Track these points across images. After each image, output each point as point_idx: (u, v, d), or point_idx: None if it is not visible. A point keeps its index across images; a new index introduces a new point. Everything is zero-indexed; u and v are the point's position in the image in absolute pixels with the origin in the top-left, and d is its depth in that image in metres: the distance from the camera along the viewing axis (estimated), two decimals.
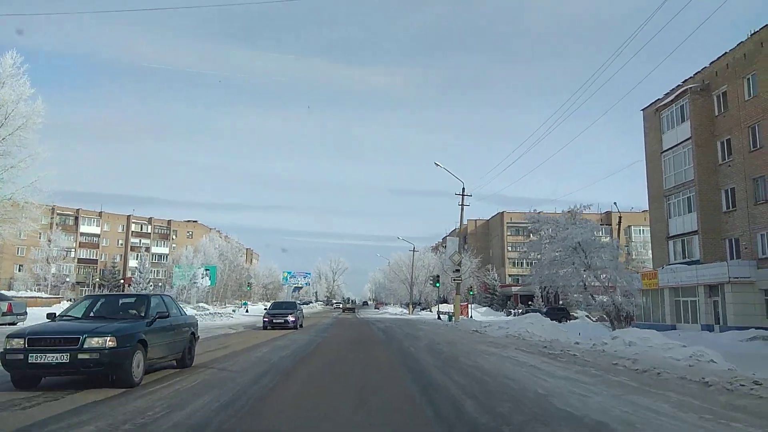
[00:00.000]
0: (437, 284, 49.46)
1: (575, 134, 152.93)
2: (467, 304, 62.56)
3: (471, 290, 58.78)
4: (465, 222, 70.44)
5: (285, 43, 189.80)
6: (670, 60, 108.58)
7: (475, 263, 76.06)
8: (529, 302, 67.24)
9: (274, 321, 28.98)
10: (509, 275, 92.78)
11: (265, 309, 74.23)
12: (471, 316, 55.83)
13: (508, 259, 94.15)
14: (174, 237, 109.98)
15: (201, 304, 74.74)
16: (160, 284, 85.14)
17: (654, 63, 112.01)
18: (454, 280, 37.64)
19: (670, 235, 38.42)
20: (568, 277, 28.64)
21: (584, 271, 27.57)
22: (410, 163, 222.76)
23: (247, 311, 62.81)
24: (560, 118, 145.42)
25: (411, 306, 67.53)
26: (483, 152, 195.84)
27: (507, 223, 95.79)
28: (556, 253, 27.86)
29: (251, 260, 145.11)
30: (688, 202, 36.89)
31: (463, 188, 37.66)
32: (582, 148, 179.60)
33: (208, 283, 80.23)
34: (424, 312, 71.28)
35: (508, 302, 72.11)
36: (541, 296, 66.06)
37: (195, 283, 79.11)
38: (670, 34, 52.21)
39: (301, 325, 30.67)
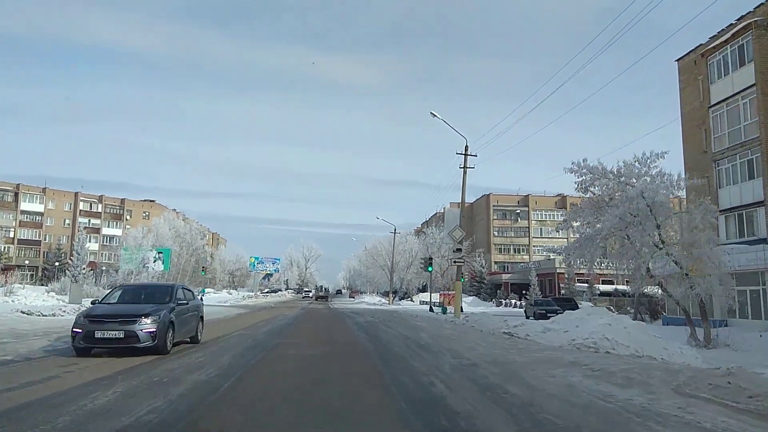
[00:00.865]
0: (429, 268, 41.01)
1: (567, 109, 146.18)
2: (452, 296, 54.56)
3: (463, 277, 50.73)
4: (457, 202, 62.54)
5: (257, 29, 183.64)
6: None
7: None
8: (524, 291, 59.61)
9: (98, 337, 11.14)
10: (495, 262, 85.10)
11: (243, 297, 65.45)
12: (441, 305, 47.99)
13: (494, 245, 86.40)
14: (128, 218, 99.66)
15: None
16: (104, 268, 75.16)
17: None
18: (455, 262, 29.32)
19: (722, 208, 30.60)
20: (629, 253, 20.33)
21: (660, 246, 19.28)
22: (387, 153, 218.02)
23: (201, 300, 53.73)
24: (547, 99, 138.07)
25: (391, 295, 59.40)
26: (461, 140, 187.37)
27: (493, 206, 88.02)
28: (613, 220, 19.39)
29: (216, 245, 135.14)
30: (748, 165, 29.14)
31: (467, 146, 29.27)
32: (579, 125, 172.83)
33: (162, 267, 70.76)
34: (405, 302, 63.05)
35: (498, 292, 64.33)
36: (539, 285, 58.42)
37: (146, 267, 69.60)
38: None
39: (196, 339, 14.37)
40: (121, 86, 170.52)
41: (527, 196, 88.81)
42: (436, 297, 68.96)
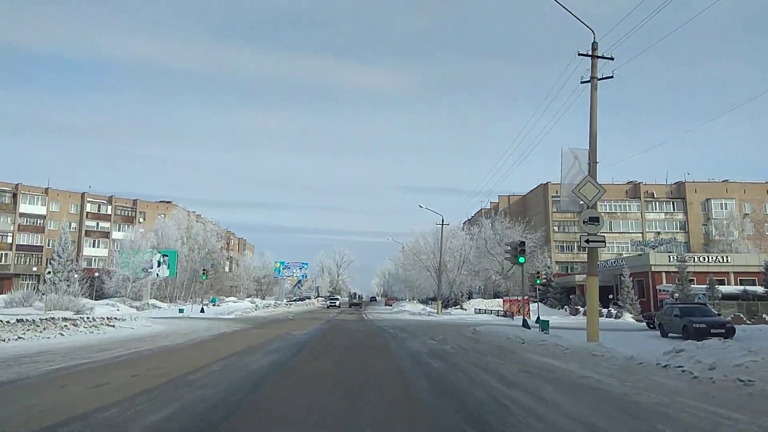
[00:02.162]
0: (521, 259, 25.08)
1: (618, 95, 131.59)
2: (527, 300, 41.67)
3: (538, 277, 38.21)
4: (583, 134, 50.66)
5: (285, 41, 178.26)
6: None
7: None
8: (610, 296, 46.45)
9: None
10: (556, 262, 71.50)
11: (256, 307, 53.66)
12: (539, 319, 35.15)
13: (555, 242, 72.89)
14: (142, 220, 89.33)
15: (153, 301, 54.47)
16: (96, 274, 64.42)
17: None
18: (588, 241, 16.26)
19: None
20: None
21: None
22: (419, 161, 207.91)
23: (202, 311, 42.19)
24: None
25: (440, 302, 46.87)
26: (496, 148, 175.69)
27: (552, 197, 74.50)
28: None
29: (240, 250, 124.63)
30: None
31: (595, 41, 16.54)
32: (629, 114, 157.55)
33: (167, 272, 59.80)
34: (455, 310, 50.37)
35: (572, 297, 51.10)
36: (631, 287, 45.06)
37: (148, 272, 58.70)
38: None
39: None
40: (151, 100, 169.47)
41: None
42: (493, 304, 56.25)
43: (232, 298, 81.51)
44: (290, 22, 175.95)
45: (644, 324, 39.19)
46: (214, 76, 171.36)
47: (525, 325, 22.94)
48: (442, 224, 46.86)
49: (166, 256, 59.93)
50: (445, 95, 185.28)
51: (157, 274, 59.18)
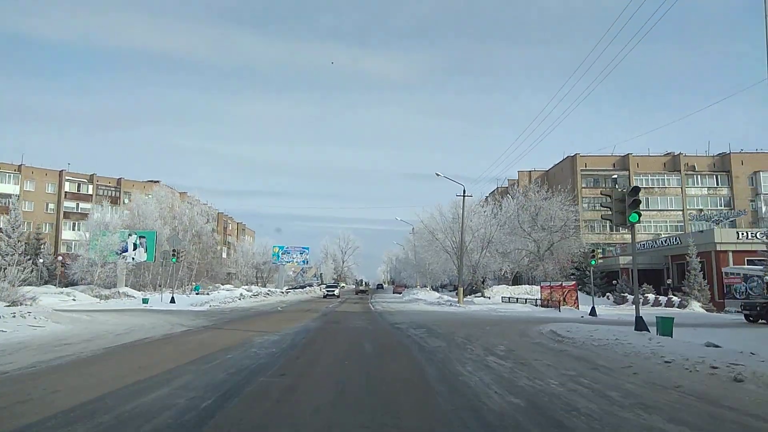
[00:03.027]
0: (633, 217, 15.75)
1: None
2: (573, 287, 33.27)
3: (593, 257, 29.69)
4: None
5: (290, 28, 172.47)
6: None
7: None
8: (669, 281, 38.13)
9: None
10: (587, 244, 62.89)
11: (241, 296, 45.22)
12: (593, 311, 26.78)
13: (584, 221, 64.22)
14: (127, 201, 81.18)
15: (125, 289, 46.49)
16: (60, 258, 56.44)
17: None
18: None
19: None
20: None
21: None
22: (421, 148, 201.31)
23: (172, 301, 34.03)
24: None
25: (461, 289, 38.26)
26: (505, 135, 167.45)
27: (581, 170, 65.98)
28: None
29: (238, 235, 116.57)
30: None
31: None
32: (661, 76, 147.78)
33: (144, 256, 51.72)
34: (478, 299, 42.11)
35: (616, 283, 42.65)
36: (699, 269, 36.66)
37: (123, 255, 50.61)
38: None
39: None
40: (159, 89, 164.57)
41: (626, 156, 66.44)
42: (520, 291, 47.94)
43: (227, 286, 73.60)
44: (296, 8, 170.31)
45: (727, 315, 30.92)
46: (218, 64, 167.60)
47: (640, 326, 14.09)
48: (464, 196, 38.55)
49: (144, 237, 51.82)
50: (451, 81, 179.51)
51: (133, 258, 51.07)
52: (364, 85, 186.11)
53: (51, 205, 75.71)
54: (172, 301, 34.50)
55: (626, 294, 41.32)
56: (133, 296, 42.52)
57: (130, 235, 52.03)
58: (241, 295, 45.62)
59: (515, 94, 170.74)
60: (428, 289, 59.11)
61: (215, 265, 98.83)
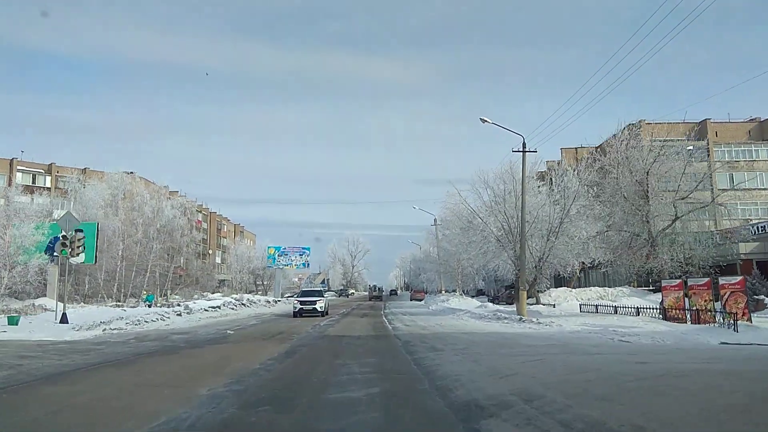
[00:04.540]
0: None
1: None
2: (740, 286, 19.28)
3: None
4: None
5: (300, 35, 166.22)
6: None
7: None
8: None
9: None
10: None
11: (210, 309, 30.14)
12: None
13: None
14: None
15: (42, 301, 33.40)
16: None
17: None
18: None
19: None
20: None
21: None
22: (433, 153, 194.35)
23: (63, 320, 20.71)
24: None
25: (524, 295, 24.04)
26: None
27: (649, 140, 51.69)
28: None
29: (234, 237, 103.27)
30: None
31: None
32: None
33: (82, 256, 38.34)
34: (536, 307, 28.26)
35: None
36: None
37: (52, 254, 37.36)
38: None
39: None
40: (175, 100, 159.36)
41: (703, 122, 52.15)
42: (604, 294, 34.16)
43: (216, 295, 60.49)
44: (305, 16, 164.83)
45: None
46: (230, 72, 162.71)
47: None
48: (524, 150, 24.81)
49: (80, 231, 38.41)
50: (461, 86, 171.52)
51: (68, 258, 37.68)
52: (373, 90, 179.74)
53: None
54: (64, 320, 21.13)
55: (763, 297, 27.30)
56: (52, 309, 29.35)
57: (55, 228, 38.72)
58: (211, 307, 31.91)
59: (526, 97, 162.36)
60: (459, 294, 45.22)
61: (193, 271, 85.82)
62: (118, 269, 46.05)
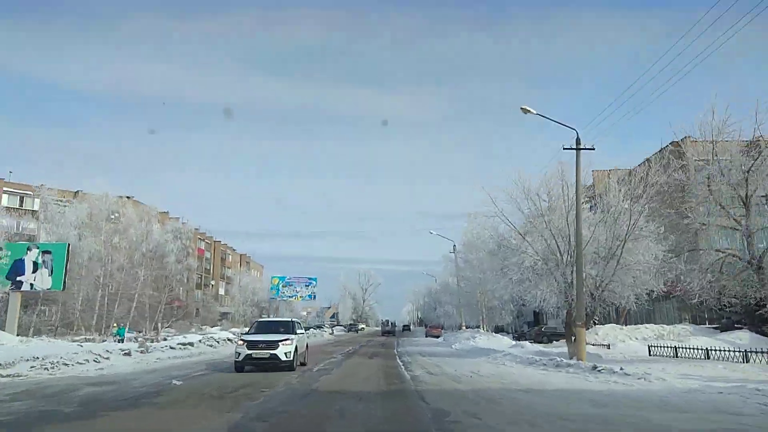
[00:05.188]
0: None
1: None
2: None
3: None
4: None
5: (301, 68, 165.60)
6: None
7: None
8: None
9: None
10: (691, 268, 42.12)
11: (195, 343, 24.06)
12: None
13: (701, 225, 43.66)
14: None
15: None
16: None
17: None
18: None
19: None
20: None
21: None
22: (439, 187, 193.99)
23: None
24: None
25: (582, 333, 18.31)
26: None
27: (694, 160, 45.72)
28: None
29: (240, 269, 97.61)
30: None
31: None
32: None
33: (48, 282, 32.98)
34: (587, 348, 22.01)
35: None
36: None
37: (17, 281, 32.06)
38: None
39: None
40: (177, 129, 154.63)
41: (757, 140, 46.12)
42: (660, 331, 28.15)
43: (215, 329, 54.85)
44: (309, 50, 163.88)
45: None
46: (237, 105, 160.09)
47: None
48: (578, 148, 19.23)
49: (48, 253, 33.20)
50: (465, 121, 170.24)
51: (31, 285, 32.41)
52: (375, 125, 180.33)
53: None
54: None
55: None
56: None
57: (29, 249, 33.53)
58: (181, 344, 26.09)
59: (527, 134, 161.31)
60: (485, 331, 38.85)
61: (205, 303, 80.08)
62: (99, 298, 40.70)
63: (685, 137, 24.63)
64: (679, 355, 20.82)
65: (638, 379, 12.64)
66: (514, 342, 30.14)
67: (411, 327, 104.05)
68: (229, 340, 30.16)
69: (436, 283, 70.90)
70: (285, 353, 15.46)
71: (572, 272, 21.34)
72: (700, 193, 21.41)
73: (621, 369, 13.69)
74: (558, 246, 21.71)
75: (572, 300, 21.63)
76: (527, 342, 27.87)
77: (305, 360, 17.97)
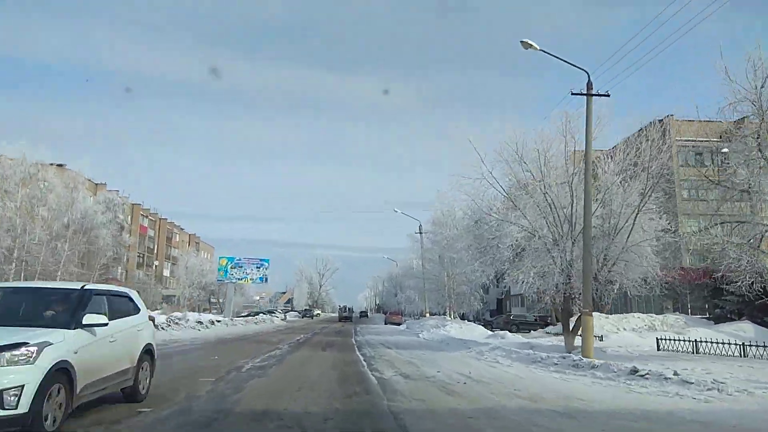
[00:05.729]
0: None
1: None
2: None
3: None
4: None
5: (275, 50, 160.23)
6: None
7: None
8: None
9: None
10: (687, 250, 39.41)
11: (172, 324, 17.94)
12: None
13: (684, 215, 40.93)
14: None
15: None
16: None
17: None
18: None
19: None
20: None
21: None
22: (407, 176, 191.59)
23: None
24: None
25: (589, 321, 14.74)
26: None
27: (677, 142, 43.08)
28: None
29: (186, 247, 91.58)
30: None
31: None
32: None
33: None
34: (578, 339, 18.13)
35: None
36: None
37: None
38: None
39: None
40: (152, 111, 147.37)
41: (742, 120, 43.56)
42: (659, 321, 24.74)
43: (155, 313, 49.35)
44: (283, 33, 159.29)
45: None
46: (204, 85, 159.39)
47: None
48: (590, 94, 15.18)
49: None
50: (438, 108, 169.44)
51: None
52: (344, 110, 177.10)
53: None
54: None
55: None
56: None
57: None
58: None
59: (503, 122, 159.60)
60: (452, 318, 34.96)
61: (146, 285, 73.86)
62: (12, 274, 35.02)
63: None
64: (700, 350, 17.27)
65: (707, 390, 8.74)
66: (489, 332, 26.26)
67: (368, 313, 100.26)
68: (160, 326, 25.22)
69: (397, 267, 67.02)
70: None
71: (572, 248, 17.48)
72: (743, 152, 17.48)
73: (675, 374, 9.72)
74: (558, 216, 17.74)
75: (570, 282, 17.78)
76: (505, 332, 23.99)
77: (138, 386, 7.40)
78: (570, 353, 16.55)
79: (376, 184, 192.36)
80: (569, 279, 17.61)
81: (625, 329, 26.85)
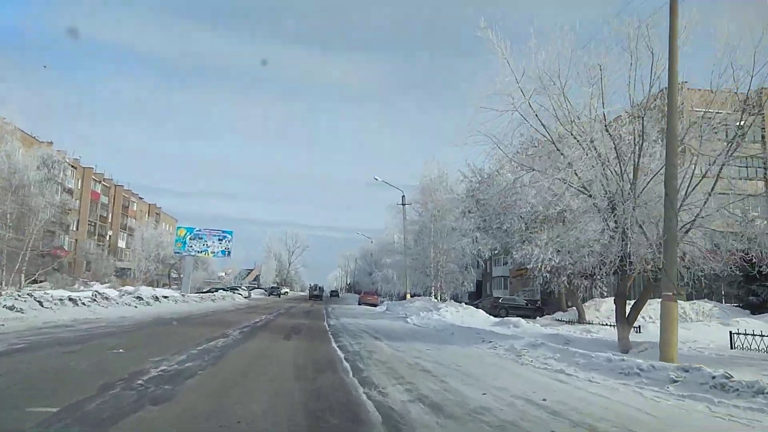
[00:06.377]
0: None
1: None
2: None
3: None
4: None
5: (252, 27, 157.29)
6: None
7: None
8: None
9: None
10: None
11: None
12: None
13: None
14: None
15: None
16: None
17: None
18: None
19: None
20: None
21: None
22: (387, 157, 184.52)
23: None
24: None
25: (673, 309, 10.78)
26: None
27: (690, 112, 38.49)
28: None
29: (145, 219, 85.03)
30: None
31: None
32: None
33: None
34: (596, 329, 13.43)
35: None
36: None
37: None
38: None
39: None
40: (120, 84, 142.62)
41: (759, 91, 39.44)
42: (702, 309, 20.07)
43: (104, 286, 43.81)
44: (258, 10, 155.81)
45: None
46: (178, 60, 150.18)
47: None
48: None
49: None
50: (412, 91, 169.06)
51: None
52: (325, 90, 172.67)
53: None
54: None
55: None
56: None
57: None
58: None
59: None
60: (438, 300, 30.13)
61: (99, 256, 67.53)
62: None
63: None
64: None
65: None
66: (493, 318, 21.46)
67: (339, 293, 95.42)
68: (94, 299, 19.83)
69: (372, 243, 62.08)
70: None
71: (633, 212, 12.71)
72: None
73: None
74: (620, 162, 12.93)
75: (630, 257, 13.03)
76: (518, 318, 19.21)
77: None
78: (625, 352, 11.94)
79: (352, 164, 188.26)
80: (628, 253, 12.84)
81: (651, 318, 22.58)
